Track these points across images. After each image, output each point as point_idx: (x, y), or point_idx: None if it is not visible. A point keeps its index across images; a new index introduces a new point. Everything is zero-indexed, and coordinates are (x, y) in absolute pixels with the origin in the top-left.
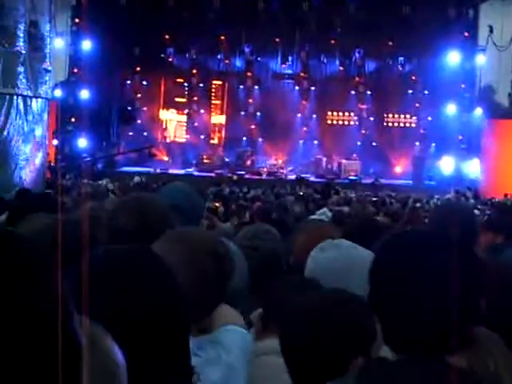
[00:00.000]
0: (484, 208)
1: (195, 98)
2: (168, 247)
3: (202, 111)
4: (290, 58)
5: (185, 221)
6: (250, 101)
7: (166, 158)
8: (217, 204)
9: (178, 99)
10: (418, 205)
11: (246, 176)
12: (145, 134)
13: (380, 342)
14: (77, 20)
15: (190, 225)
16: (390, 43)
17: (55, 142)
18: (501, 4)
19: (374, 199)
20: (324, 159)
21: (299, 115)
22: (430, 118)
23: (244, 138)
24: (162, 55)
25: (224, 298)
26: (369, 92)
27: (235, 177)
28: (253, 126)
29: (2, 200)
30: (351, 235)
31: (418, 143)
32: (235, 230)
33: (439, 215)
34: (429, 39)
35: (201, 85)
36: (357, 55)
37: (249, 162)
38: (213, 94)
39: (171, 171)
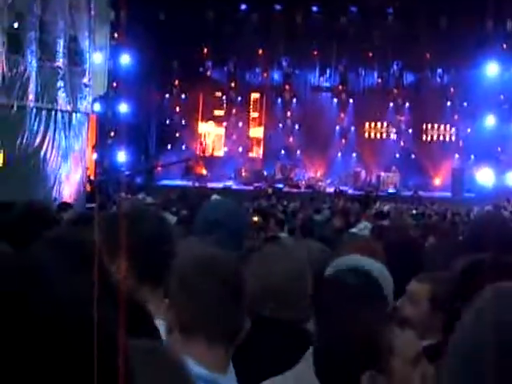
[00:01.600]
0: None
1: (233, 111)
2: None
3: (241, 124)
4: (327, 71)
5: (228, 236)
6: (288, 114)
7: (204, 172)
8: (255, 218)
9: (216, 112)
10: (456, 218)
11: (285, 189)
12: (183, 147)
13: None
14: (116, 35)
15: (234, 240)
16: (428, 55)
17: (95, 156)
18: None
19: (414, 212)
20: (363, 172)
21: (337, 128)
22: (468, 130)
23: (282, 151)
24: (201, 69)
25: None
26: (407, 104)
27: (270, 190)
28: (291, 139)
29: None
30: (390, 249)
31: (457, 155)
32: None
33: (476, 228)
34: (467, 51)
35: (239, 98)
36: (395, 67)
37: (287, 175)
38: (251, 107)
39: (210, 185)
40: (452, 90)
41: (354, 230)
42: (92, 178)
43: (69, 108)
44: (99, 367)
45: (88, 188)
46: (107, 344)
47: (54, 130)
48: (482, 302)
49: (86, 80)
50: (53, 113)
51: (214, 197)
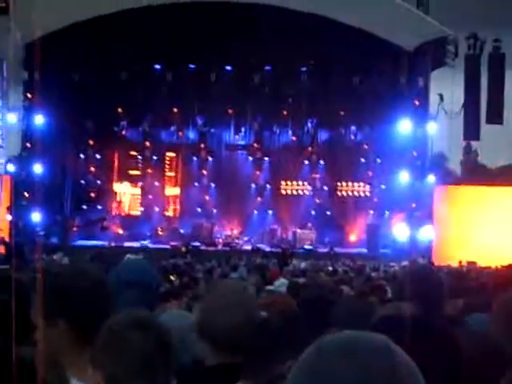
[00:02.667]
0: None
1: (149, 171)
2: None
3: (157, 183)
4: (242, 129)
5: (141, 297)
6: (204, 172)
7: (120, 231)
8: (172, 277)
9: (131, 172)
10: (373, 274)
11: (202, 247)
12: (99, 207)
13: None
14: (29, 95)
15: (147, 298)
16: (342, 112)
17: (9, 217)
18: (451, 72)
19: (330, 268)
20: (279, 229)
21: (253, 185)
22: (383, 186)
23: (199, 209)
24: (115, 128)
25: None
26: (322, 161)
27: (183, 248)
28: (207, 197)
29: None
30: (305, 306)
31: (371, 211)
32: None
33: (408, 281)
34: (380, 108)
35: (154, 157)
36: (309, 125)
37: (204, 233)
38: (167, 166)
39: (126, 244)
40: (366, 146)
41: (271, 287)
42: (6, 239)
43: None
44: None
45: (2, 249)
46: None
47: None
48: (308, 353)
49: None
50: None
51: (128, 256)
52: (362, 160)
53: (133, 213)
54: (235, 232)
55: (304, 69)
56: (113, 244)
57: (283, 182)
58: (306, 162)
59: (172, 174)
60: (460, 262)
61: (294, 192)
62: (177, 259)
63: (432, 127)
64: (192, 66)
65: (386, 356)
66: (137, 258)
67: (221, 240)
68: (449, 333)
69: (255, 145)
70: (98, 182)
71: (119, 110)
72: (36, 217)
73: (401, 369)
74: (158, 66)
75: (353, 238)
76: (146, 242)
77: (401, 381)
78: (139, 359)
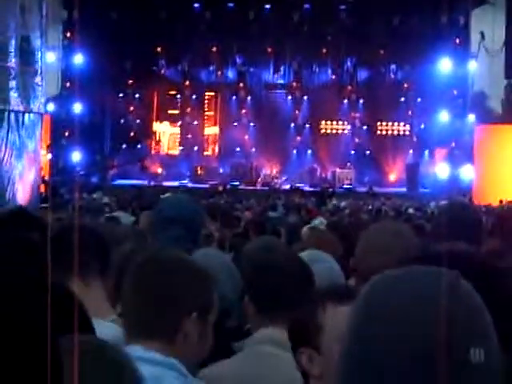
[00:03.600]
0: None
1: (188, 110)
2: None
3: (196, 123)
4: (281, 68)
5: (185, 231)
6: (243, 111)
7: (159, 170)
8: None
9: (170, 111)
10: (411, 210)
11: (241, 187)
12: (138, 146)
13: None
14: (68, 34)
15: (191, 235)
16: (382, 51)
17: (49, 156)
18: (492, 10)
19: (370, 207)
20: (318, 168)
21: (292, 125)
22: (422, 126)
23: (238, 149)
24: (154, 68)
25: None
26: (361, 101)
27: (220, 187)
28: (246, 137)
29: None
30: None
31: (411, 151)
32: (231, 240)
33: (445, 215)
34: (420, 47)
35: (193, 96)
36: (349, 64)
37: (243, 173)
38: (206, 106)
39: (165, 183)
40: (406, 85)
41: (309, 225)
42: (46, 178)
43: (21, 108)
44: (24, 363)
45: (42, 188)
46: (31, 339)
47: (7, 131)
48: (367, 289)
49: (38, 80)
50: (5, 113)
51: (168, 194)
52: (402, 99)
53: (172, 152)
54: (274, 171)
55: (343, 7)
56: (152, 183)
57: (322, 121)
58: (346, 101)
59: (211, 113)
60: (501, 201)
61: (334, 131)
62: (216, 198)
63: (473, 66)
64: (231, 4)
65: (446, 278)
66: (179, 195)
67: (260, 179)
68: (488, 267)
69: (294, 84)
70: (138, 121)
71: (158, 49)
72: (76, 156)
73: (469, 295)
74: (196, 5)
75: (392, 177)
76: (185, 182)
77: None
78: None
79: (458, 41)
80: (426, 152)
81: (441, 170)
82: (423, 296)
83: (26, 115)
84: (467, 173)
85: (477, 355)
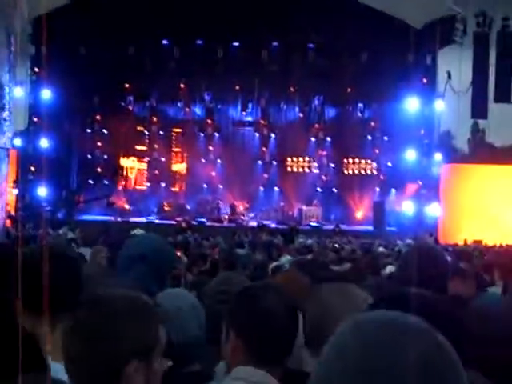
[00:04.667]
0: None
1: (156, 146)
2: None
3: (163, 159)
4: (249, 105)
5: (152, 271)
6: (211, 148)
7: (126, 206)
8: (178, 253)
9: (138, 147)
10: (380, 249)
11: (208, 223)
12: (105, 182)
13: None
14: (36, 69)
15: (157, 274)
16: (349, 90)
17: (15, 191)
18: (459, 50)
19: (336, 246)
20: (285, 206)
21: (260, 162)
22: (389, 164)
23: (205, 186)
24: (122, 103)
25: None
26: (328, 138)
27: (184, 224)
28: (213, 173)
29: None
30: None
31: (378, 189)
32: (197, 278)
33: (411, 259)
34: (388, 85)
35: (161, 132)
36: (316, 102)
37: (210, 210)
38: (173, 142)
39: (132, 219)
40: (373, 124)
41: (276, 263)
42: (12, 213)
43: None
44: None
45: (8, 223)
46: None
47: None
48: (341, 334)
49: (5, 115)
50: None
51: (137, 231)
52: (369, 137)
53: (139, 188)
54: (241, 208)
55: (311, 45)
56: (119, 219)
57: (289, 159)
58: (313, 139)
59: (178, 149)
60: (465, 241)
61: (301, 169)
62: (187, 235)
63: (439, 105)
64: (199, 41)
65: (430, 336)
66: (148, 233)
67: (226, 216)
68: (454, 314)
69: (262, 121)
70: (105, 156)
71: (126, 85)
72: (42, 191)
73: (444, 348)
74: (165, 41)
75: (359, 215)
76: (152, 218)
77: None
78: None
79: (425, 80)
80: (393, 190)
81: (407, 208)
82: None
83: None
84: (433, 211)
85: None
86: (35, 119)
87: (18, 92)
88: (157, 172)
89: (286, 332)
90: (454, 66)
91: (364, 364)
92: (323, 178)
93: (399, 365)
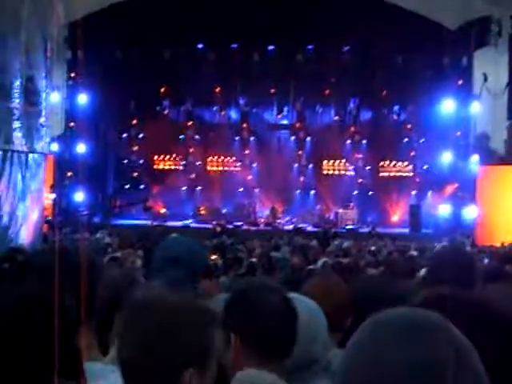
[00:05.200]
0: (482, 256)
1: (191, 150)
2: None
3: (199, 163)
4: (285, 109)
5: (186, 273)
6: (246, 152)
7: (163, 211)
8: (214, 256)
9: (174, 151)
10: (414, 253)
11: (244, 227)
12: (141, 186)
13: None
14: (72, 74)
15: (192, 277)
16: (385, 92)
17: (52, 196)
18: (494, 52)
19: (372, 248)
20: (321, 209)
21: (295, 165)
22: (426, 166)
23: (241, 189)
24: (158, 108)
25: None
26: (364, 141)
27: (218, 228)
28: (249, 177)
29: None
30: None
31: (414, 191)
32: (233, 281)
33: (437, 262)
34: (423, 87)
35: (197, 137)
36: (352, 105)
37: (246, 213)
38: (209, 146)
39: (168, 223)
40: (409, 126)
41: (312, 266)
42: (49, 218)
43: (25, 148)
44: None
45: (45, 228)
46: None
47: (11, 171)
48: (360, 334)
49: (42, 120)
50: (9, 153)
51: (173, 235)
52: (405, 140)
53: (175, 192)
54: (277, 212)
55: (347, 48)
56: (155, 223)
57: (325, 162)
58: (349, 142)
59: (214, 153)
60: (503, 243)
61: (337, 172)
62: (221, 238)
63: (476, 107)
64: (235, 45)
65: (446, 334)
66: (183, 236)
67: (262, 220)
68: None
69: (297, 124)
70: (141, 161)
71: (162, 89)
72: (79, 196)
73: (462, 346)
74: (200, 45)
75: (395, 218)
76: (188, 222)
77: (462, 358)
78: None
79: (460, 82)
80: (429, 193)
81: (444, 210)
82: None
83: (30, 155)
84: (470, 213)
85: None
86: (72, 124)
87: (55, 97)
88: (193, 176)
89: (288, 325)
90: (490, 67)
91: (380, 362)
92: (359, 180)
93: (415, 364)
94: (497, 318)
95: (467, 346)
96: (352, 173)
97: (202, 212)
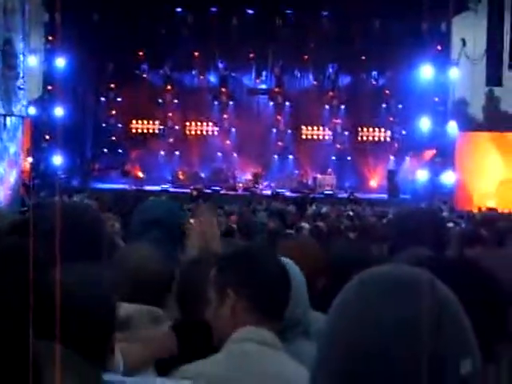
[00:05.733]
0: (460, 221)
1: (170, 114)
2: None
3: (177, 127)
4: (263, 73)
5: (166, 235)
6: (225, 116)
7: (141, 175)
8: (191, 220)
9: (152, 115)
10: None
11: (222, 192)
12: (119, 150)
13: None
14: (50, 37)
15: (172, 239)
16: (363, 57)
17: (30, 159)
18: (473, 17)
19: (350, 213)
20: (299, 174)
21: (274, 130)
22: (404, 132)
23: (219, 154)
24: (136, 71)
25: None
26: (343, 106)
27: (195, 192)
28: (228, 142)
29: None
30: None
31: (392, 157)
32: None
33: (401, 222)
34: (402, 53)
35: (175, 101)
36: (330, 70)
37: (224, 178)
38: (187, 110)
39: (147, 188)
40: (387, 92)
41: (290, 231)
42: (27, 181)
43: (2, 111)
44: None
45: (22, 191)
46: None
47: None
48: (345, 294)
49: (20, 83)
50: None
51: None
52: (383, 105)
53: (153, 156)
54: (255, 177)
55: (325, 13)
56: (133, 187)
57: (304, 127)
58: (327, 107)
59: (193, 117)
60: (479, 209)
61: (315, 137)
62: (198, 203)
63: (454, 73)
64: (214, 8)
65: (432, 290)
66: (161, 198)
67: (241, 184)
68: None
69: (276, 89)
70: (119, 125)
71: (140, 52)
72: (57, 160)
73: (449, 304)
74: (179, 9)
75: (373, 183)
76: (166, 186)
77: (449, 315)
78: None
79: (439, 47)
80: (407, 158)
81: (421, 176)
82: (407, 317)
83: (8, 118)
84: (448, 179)
85: (466, 366)
86: (49, 87)
87: (33, 60)
88: (171, 140)
89: (285, 288)
90: (469, 33)
91: (365, 321)
92: (337, 146)
93: (401, 321)
94: (481, 276)
95: (453, 303)
96: (330, 138)
97: (181, 176)
